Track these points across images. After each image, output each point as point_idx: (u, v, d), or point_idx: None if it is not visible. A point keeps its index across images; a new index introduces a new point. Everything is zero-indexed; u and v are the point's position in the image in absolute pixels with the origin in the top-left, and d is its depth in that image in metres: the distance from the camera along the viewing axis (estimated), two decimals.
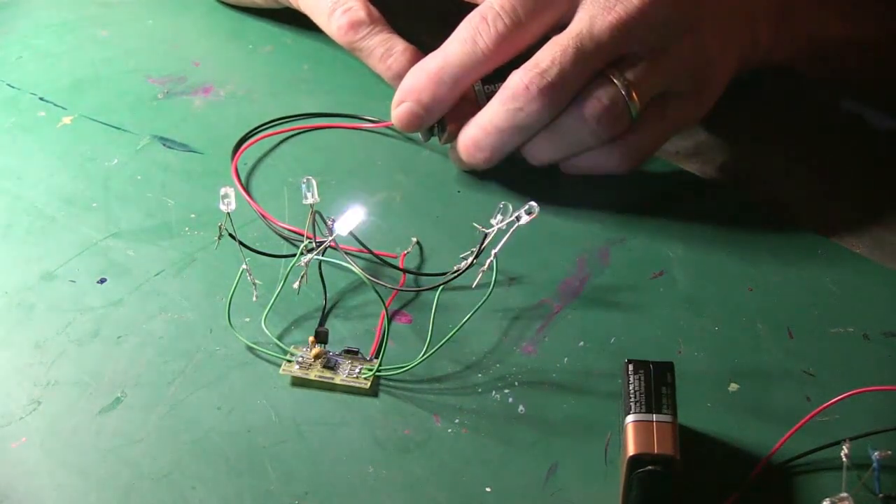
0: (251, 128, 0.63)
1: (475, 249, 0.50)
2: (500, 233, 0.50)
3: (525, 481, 0.44)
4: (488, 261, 0.51)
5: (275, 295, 0.51)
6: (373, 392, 0.48)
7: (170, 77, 0.67)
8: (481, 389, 0.48)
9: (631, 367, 0.44)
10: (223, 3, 0.74)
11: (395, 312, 0.52)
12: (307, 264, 0.51)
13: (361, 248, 0.53)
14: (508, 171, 0.58)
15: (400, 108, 0.57)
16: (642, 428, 0.42)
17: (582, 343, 0.50)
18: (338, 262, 0.52)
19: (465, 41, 0.55)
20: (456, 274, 0.51)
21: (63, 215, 0.57)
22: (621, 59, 0.54)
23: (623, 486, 0.42)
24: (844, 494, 0.41)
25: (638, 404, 0.43)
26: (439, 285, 0.52)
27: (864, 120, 0.64)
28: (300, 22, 0.68)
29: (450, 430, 0.46)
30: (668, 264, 0.55)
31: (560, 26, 0.55)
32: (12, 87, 0.66)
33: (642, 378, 0.44)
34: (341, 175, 0.60)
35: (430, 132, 0.59)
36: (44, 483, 0.44)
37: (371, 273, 0.52)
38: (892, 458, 0.43)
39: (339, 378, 0.48)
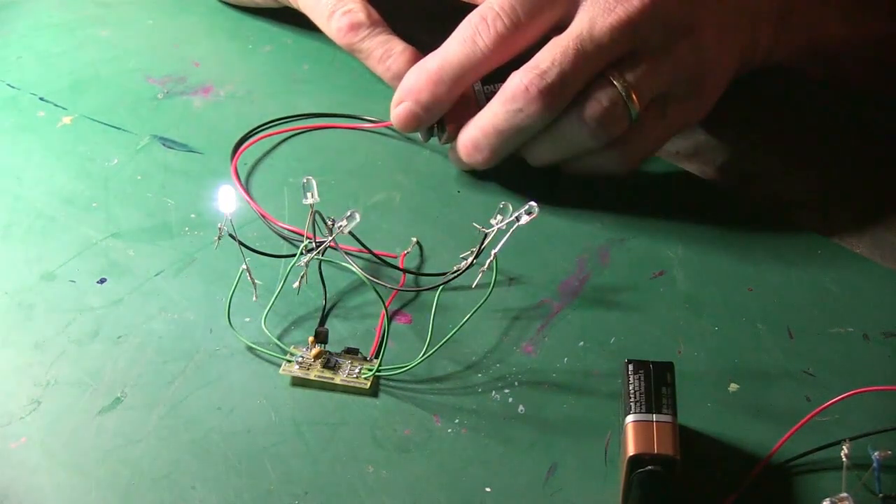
0: (251, 128, 0.63)
1: (475, 249, 0.50)
2: (500, 233, 0.50)
3: (525, 481, 0.44)
4: (488, 261, 0.51)
5: (275, 295, 0.51)
6: (373, 392, 0.48)
7: (170, 77, 0.67)
8: (481, 389, 0.48)
9: (631, 367, 0.44)
10: (223, 2, 0.74)
11: (395, 312, 0.52)
12: (307, 264, 0.51)
13: (361, 248, 0.53)
14: (508, 171, 0.58)
15: (399, 108, 0.57)
16: (642, 428, 0.42)
17: (582, 343, 0.50)
18: (338, 262, 0.52)
19: (465, 41, 0.55)
20: (456, 274, 0.51)
21: (63, 215, 0.57)
22: (621, 60, 0.54)
23: (623, 486, 0.42)
24: (844, 494, 0.41)
25: (638, 404, 0.43)
26: (439, 285, 0.52)
27: (864, 120, 0.64)
28: (300, 22, 0.68)
29: (450, 430, 0.46)
30: (668, 264, 0.55)
31: (560, 27, 0.55)
32: (12, 87, 0.66)
33: (642, 378, 0.44)
34: (341, 175, 0.60)
35: (429, 132, 0.59)
36: (44, 483, 0.44)
37: (371, 273, 0.52)
38: (892, 458, 0.43)
39: (339, 378, 0.48)
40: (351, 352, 0.49)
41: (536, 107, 0.53)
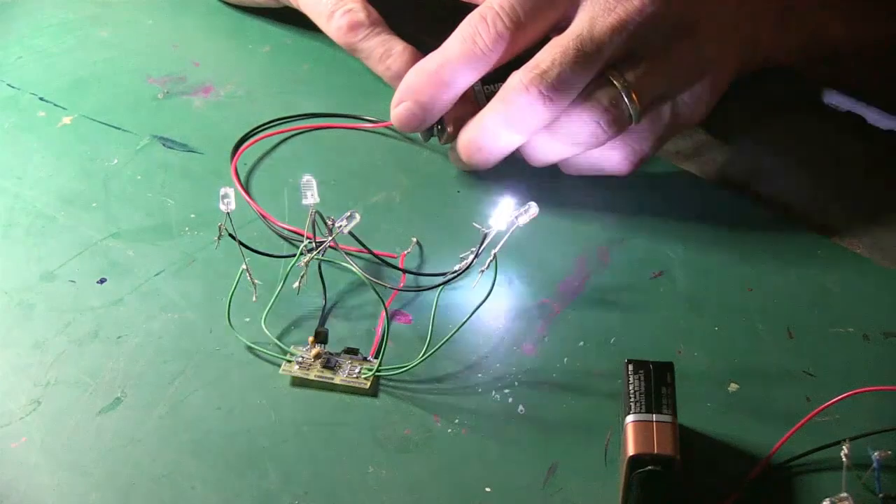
0: (251, 128, 0.63)
1: (475, 249, 0.50)
2: (500, 233, 0.50)
3: (525, 481, 0.44)
4: (488, 261, 0.51)
5: (275, 295, 0.51)
6: (373, 392, 0.48)
7: (170, 77, 0.67)
8: (481, 389, 0.48)
9: (631, 367, 0.44)
10: (223, 2, 0.74)
11: (395, 312, 0.52)
12: (307, 264, 0.51)
13: (361, 248, 0.53)
14: (508, 171, 0.58)
15: (399, 108, 0.57)
16: (642, 428, 0.42)
17: (582, 343, 0.50)
18: (338, 262, 0.52)
19: (465, 41, 0.55)
20: (456, 274, 0.51)
21: (63, 215, 0.57)
22: (621, 60, 0.54)
23: (623, 486, 0.42)
24: (844, 494, 0.41)
25: (638, 404, 0.43)
26: (439, 285, 0.52)
27: (864, 120, 0.64)
28: (300, 22, 0.68)
29: (450, 430, 0.46)
30: (668, 264, 0.55)
31: (560, 27, 0.55)
32: (12, 87, 0.66)
33: (642, 378, 0.44)
34: (341, 175, 0.60)
35: (429, 132, 0.59)
36: (44, 483, 0.44)
37: (371, 273, 0.52)
38: (892, 458, 0.43)
39: (339, 378, 0.48)
40: (351, 352, 0.49)
41: (536, 107, 0.53)
